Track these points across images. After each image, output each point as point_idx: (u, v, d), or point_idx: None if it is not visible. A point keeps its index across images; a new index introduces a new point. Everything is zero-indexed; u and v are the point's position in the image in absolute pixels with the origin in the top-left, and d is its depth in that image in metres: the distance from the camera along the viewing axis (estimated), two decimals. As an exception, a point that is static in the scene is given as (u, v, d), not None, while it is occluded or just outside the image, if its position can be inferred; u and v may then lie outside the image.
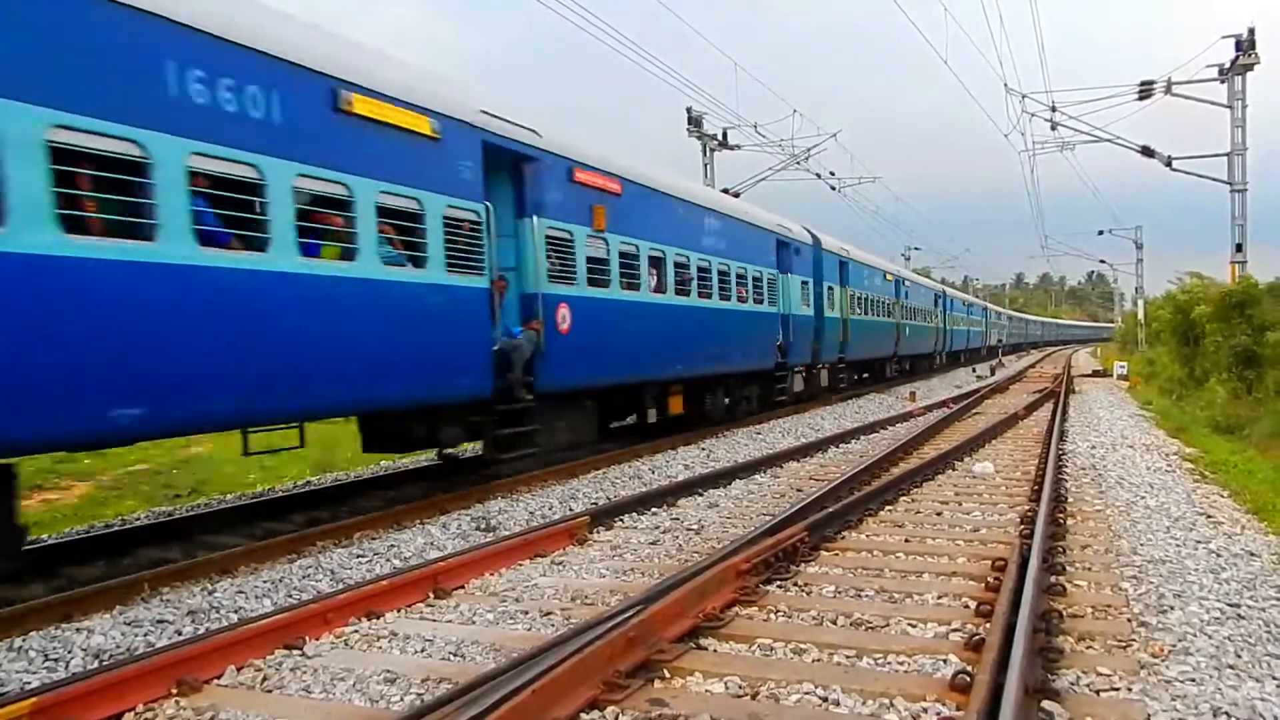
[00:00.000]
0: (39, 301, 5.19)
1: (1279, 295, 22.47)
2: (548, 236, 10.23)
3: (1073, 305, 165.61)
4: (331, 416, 8.76)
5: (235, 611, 5.86)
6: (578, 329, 10.61)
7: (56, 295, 5.27)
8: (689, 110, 29.26)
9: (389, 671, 4.55)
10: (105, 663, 4.84)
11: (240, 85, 6.38)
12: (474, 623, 5.44)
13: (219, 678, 4.55)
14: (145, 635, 5.37)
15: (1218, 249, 24.81)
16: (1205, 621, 5.02)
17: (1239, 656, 4.50)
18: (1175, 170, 25.48)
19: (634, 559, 7.00)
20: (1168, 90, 24.92)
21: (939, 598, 5.63)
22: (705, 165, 30.15)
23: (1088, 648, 4.70)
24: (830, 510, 7.77)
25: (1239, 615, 5.16)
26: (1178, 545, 6.92)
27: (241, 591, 6.27)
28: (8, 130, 5.00)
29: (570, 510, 9.03)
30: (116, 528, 8.85)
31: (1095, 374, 35.68)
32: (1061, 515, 8.04)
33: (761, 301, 17.40)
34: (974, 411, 19.37)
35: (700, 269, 14.48)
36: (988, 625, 4.76)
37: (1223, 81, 24.13)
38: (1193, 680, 4.17)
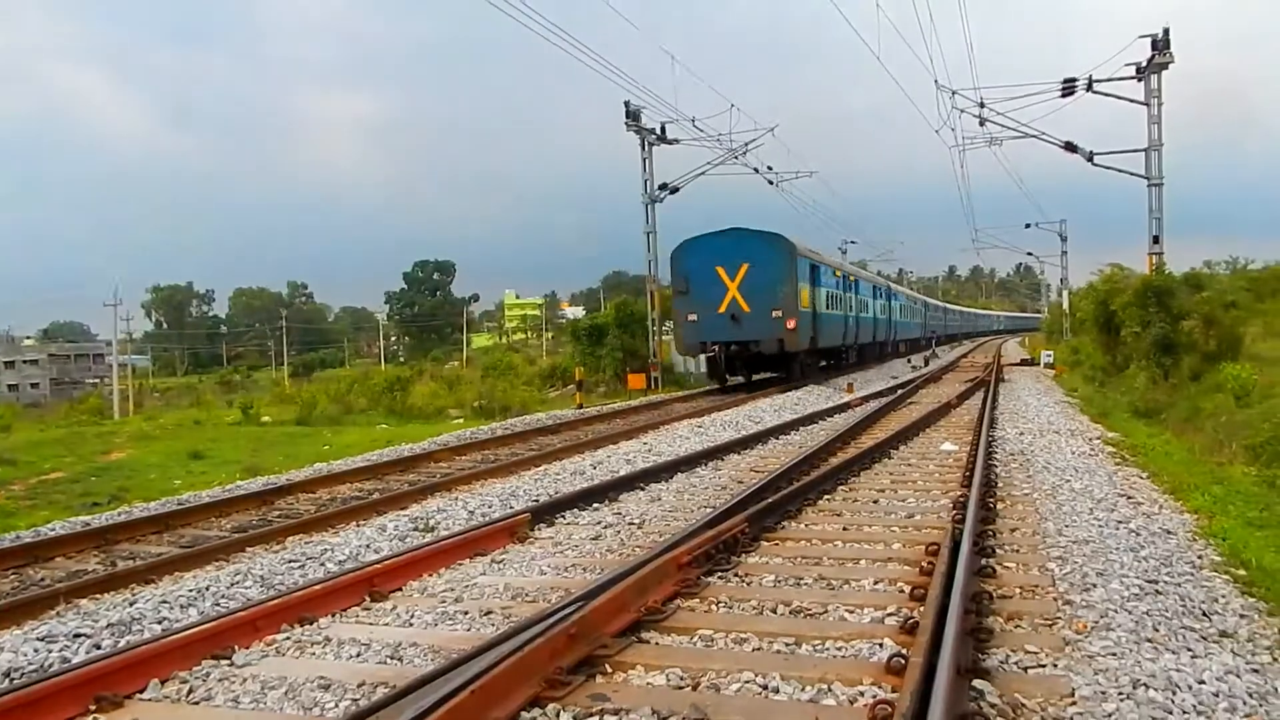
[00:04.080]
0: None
1: (1194, 285, 23.37)
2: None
3: (1002, 297, 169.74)
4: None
5: (159, 622, 5.68)
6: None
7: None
8: (627, 104, 29.32)
9: (323, 678, 4.47)
10: (16, 681, 4.64)
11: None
12: (412, 625, 5.37)
13: (141, 692, 4.41)
14: (61, 651, 5.13)
15: (1137, 241, 25.71)
16: (1125, 598, 5.21)
17: (1156, 630, 4.69)
18: (1096, 165, 26.32)
19: (576, 555, 6.99)
20: (1089, 88, 25.72)
21: (875, 583, 5.75)
22: (644, 160, 30.22)
23: (1016, 627, 4.86)
24: (770, 501, 7.86)
25: (1157, 591, 5.38)
26: (1100, 526, 7.18)
27: (165, 601, 6.07)
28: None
29: (511, 508, 8.94)
30: (28, 540, 8.48)
31: (1024, 363, 36.82)
32: (992, 500, 8.28)
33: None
34: (909, 401, 19.77)
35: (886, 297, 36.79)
36: (922, 609, 4.87)
37: (1139, 80, 25.01)
38: (1114, 654, 4.33)
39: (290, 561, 7.13)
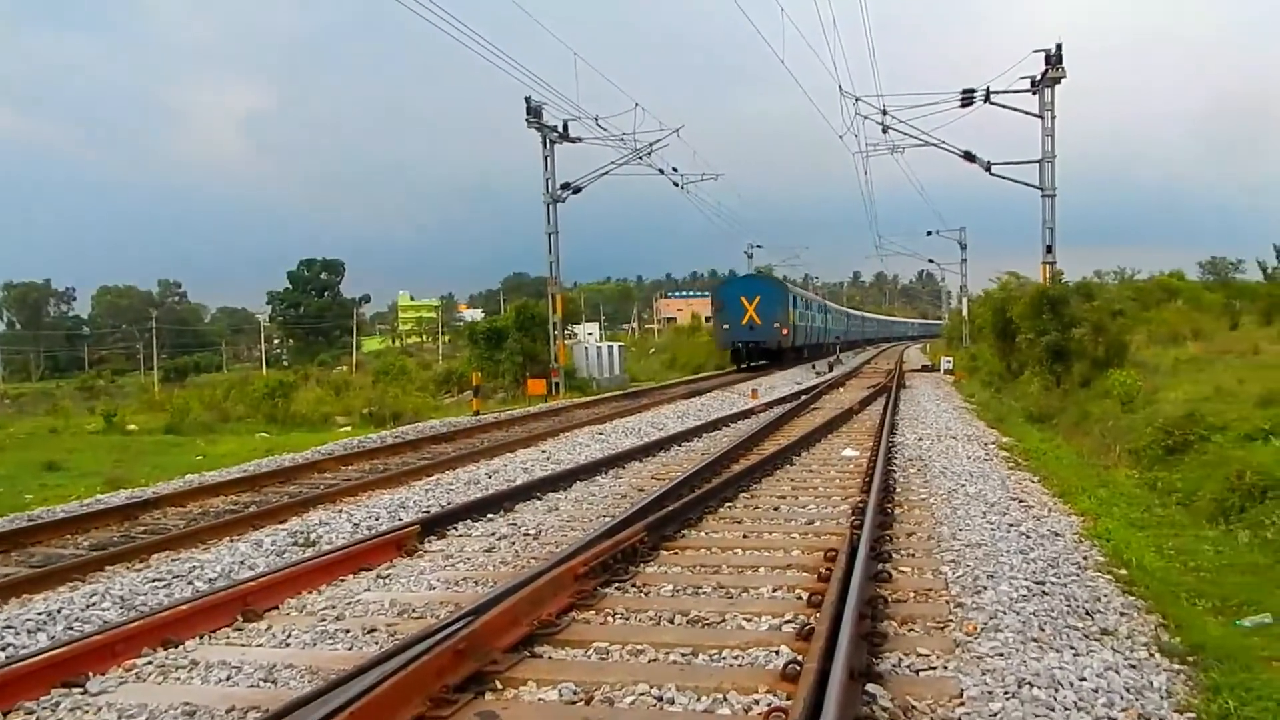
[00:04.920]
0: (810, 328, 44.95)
1: (1085, 294, 24.67)
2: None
3: (905, 303, 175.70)
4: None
5: (2, 649, 5.36)
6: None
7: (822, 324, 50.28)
8: (528, 100, 29.13)
9: (188, 704, 4.29)
10: None
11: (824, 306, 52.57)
12: (289, 645, 5.22)
13: (-18, 724, 4.17)
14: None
15: (1034, 250, 26.86)
16: (1014, 599, 5.47)
17: (1042, 630, 4.94)
18: (994, 175, 27.53)
19: (467, 568, 6.92)
20: (987, 99, 26.89)
21: (774, 591, 5.87)
22: (545, 158, 30.09)
23: (910, 630, 5.05)
24: (670, 509, 7.94)
25: (1044, 591, 5.67)
26: (992, 529, 7.52)
27: (10, 626, 5.70)
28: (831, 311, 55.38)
29: (400, 520, 8.79)
30: None
31: (925, 369, 38.21)
32: (890, 505, 8.57)
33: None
34: (812, 407, 20.26)
35: (822, 311, 51.92)
36: (818, 615, 4.99)
37: (1034, 93, 26.26)
38: (1001, 655, 4.54)
39: (155, 581, 6.83)
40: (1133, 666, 4.46)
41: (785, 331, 38.17)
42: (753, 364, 39.16)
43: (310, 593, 6.30)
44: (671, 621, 5.33)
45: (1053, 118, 25.95)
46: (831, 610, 4.86)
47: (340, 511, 9.42)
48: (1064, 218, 27.17)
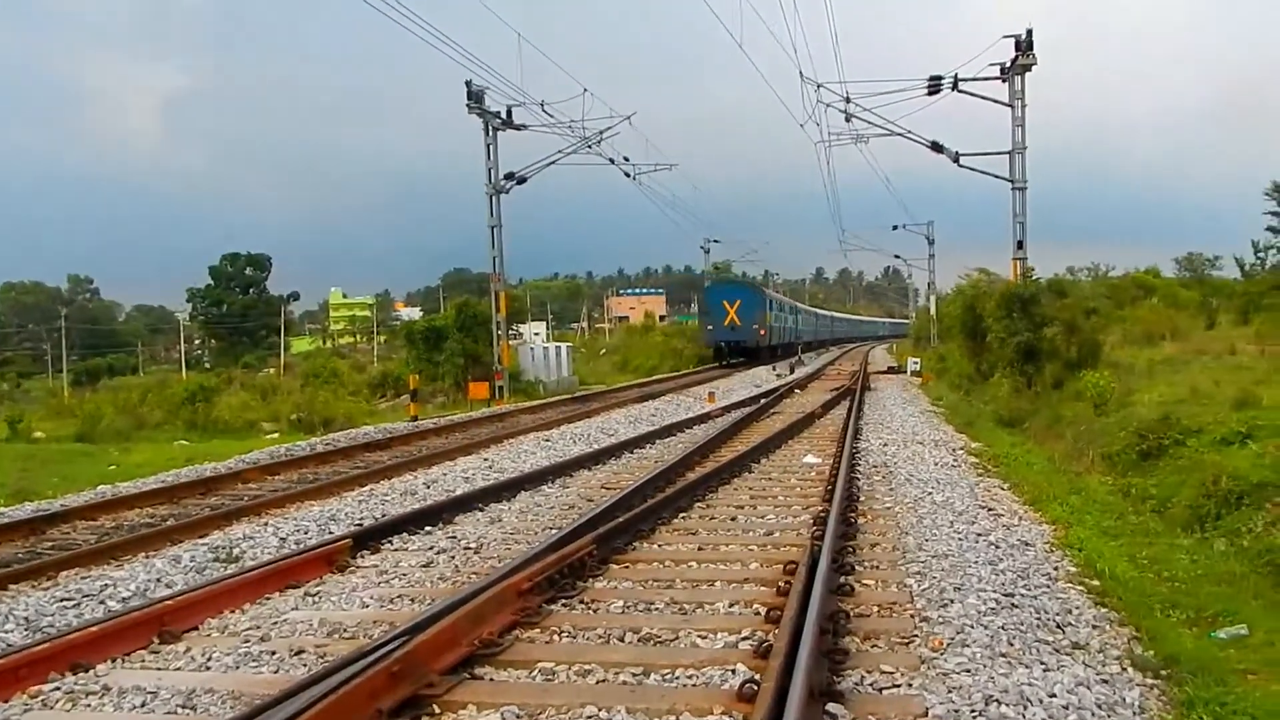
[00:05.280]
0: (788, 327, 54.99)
1: (1057, 291, 25.13)
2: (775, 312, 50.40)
3: (870, 301, 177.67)
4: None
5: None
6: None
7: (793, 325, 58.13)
8: (469, 84, 28.90)
9: (99, 733, 4.20)
10: None
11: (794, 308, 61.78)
12: (209, 668, 5.14)
13: None
14: None
15: (1005, 246, 27.18)
16: (982, 613, 5.57)
17: (1011, 644, 5.03)
18: (962, 166, 27.92)
19: (403, 584, 6.88)
20: (955, 86, 27.26)
21: (730, 606, 5.91)
22: (488, 146, 29.91)
23: (873, 646, 5.11)
24: (621, 520, 7.96)
25: (1013, 604, 5.78)
26: (960, 539, 7.64)
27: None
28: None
29: (330, 534, 8.73)
30: None
31: (891, 370, 38.68)
32: (853, 514, 8.68)
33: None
34: (772, 412, 20.42)
35: (793, 312, 60.44)
36: (776, 631, 5.03)
37: (1004, 81, 26.73)
38: (968, 671, 4.62)
39: (63, 600, 6.68)
40: (1105, 681, 4.56)
41: (763, 332, 46.30)
42: (732, 360, 47.00)
43: (233, 612, 6.22)
44: (621, 640, 5.33)
45: (1023, 106, 26.26)
46: (790, 626, 4.90)
47: (266, 525, 9.32)
48: (1036, 212, 27.68)
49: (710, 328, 47.01)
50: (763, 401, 22.03)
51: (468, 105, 29.05)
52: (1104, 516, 9.23)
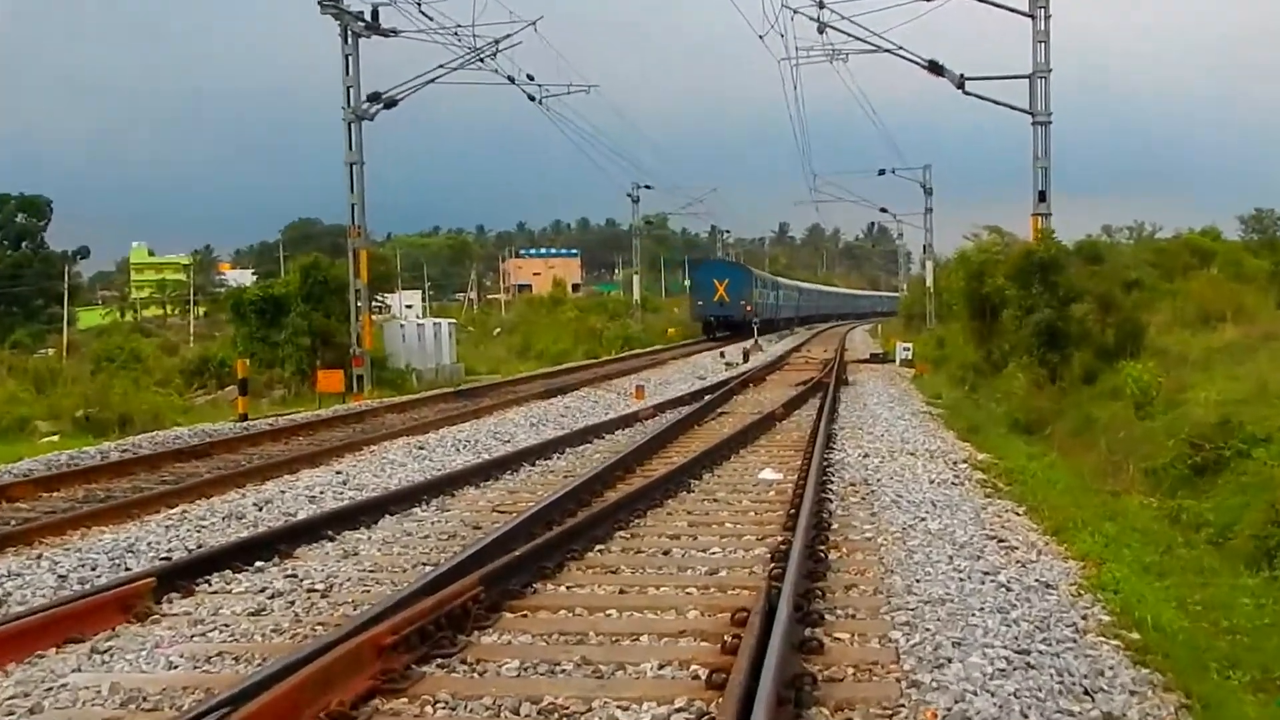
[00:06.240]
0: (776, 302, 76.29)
1: (1089, 257, 25.48)
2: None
3: (851, 268, 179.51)
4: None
5: None
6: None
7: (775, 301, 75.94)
8: (318, -26, 28.51)
9: None
10: None
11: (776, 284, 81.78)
12: (-49, 757, 4.98)
13: None
14: None
15: (1023, 198, 27.09)
16: (989, 675, 5.64)
17: (1025, 717, 5.10)
18: (968, 94, 28.12)
19: (225, 638, 6.82)
20: (960, -11, 27.57)
21: (661, 667, 5.92)
22: (347, 57, 29.46)
23: (847, 720, 5.13)
24: (517, 555, 7.95)
25: (1028, 664, 5.86)
26: (961, 579, 7.76)
27: None
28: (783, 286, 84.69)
29: (127, 570, 8.63)
30: None
31: (874, 359, 38.83)
32: (823, 547, 8.77)
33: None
34: (720, 411, 20.57)
35: (775, 288, 79.51)
36: (720, 701, 5.04)
37: (1022, -15, 26.98)
38: (971, 755, 4.66)
39: None
40: (1143, 766, 4.65)
41: (749, 309, 59.22)
42: (719, 334, 60.39)
43: (-11, 678, 6.07)
44: (515, 712, 5.32)
45: (1047, 17, 26.27)
46: (738, 693, 4.92)
47: (40, 557, 9.19)
48: (1064, 157, 28.03)
49: (700, 303, 63.95)
50: (708, 398, 22.17)
51: (321, 4, 28.62)
52: (1146, 550, 9.40)
